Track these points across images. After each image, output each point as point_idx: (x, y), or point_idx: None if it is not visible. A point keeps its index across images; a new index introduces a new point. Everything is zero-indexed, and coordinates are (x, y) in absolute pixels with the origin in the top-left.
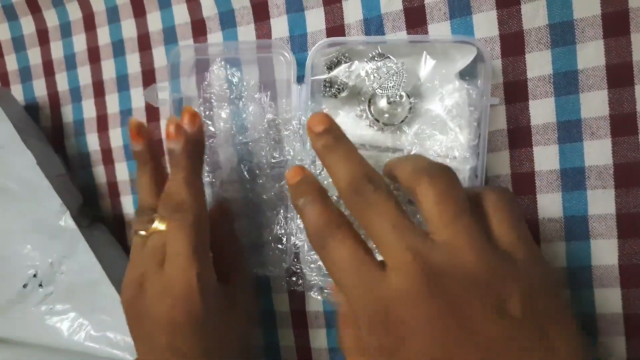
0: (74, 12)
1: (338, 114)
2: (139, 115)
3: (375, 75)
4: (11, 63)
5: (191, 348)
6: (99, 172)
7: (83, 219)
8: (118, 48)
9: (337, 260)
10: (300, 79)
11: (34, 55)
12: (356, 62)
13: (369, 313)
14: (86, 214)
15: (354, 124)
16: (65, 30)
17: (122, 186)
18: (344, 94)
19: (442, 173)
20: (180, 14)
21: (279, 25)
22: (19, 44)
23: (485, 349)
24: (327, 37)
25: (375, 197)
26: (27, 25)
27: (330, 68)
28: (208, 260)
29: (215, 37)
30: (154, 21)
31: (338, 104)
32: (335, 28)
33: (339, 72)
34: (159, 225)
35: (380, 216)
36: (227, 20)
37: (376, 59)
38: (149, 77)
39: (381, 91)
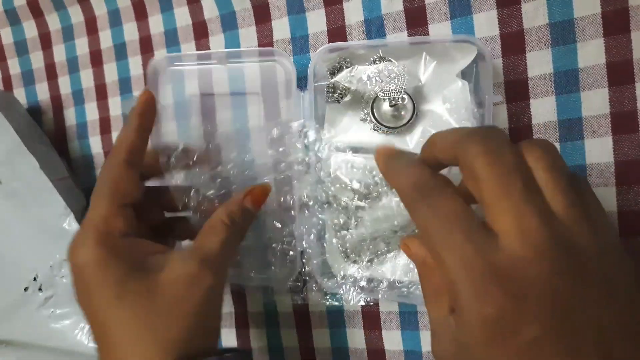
0: (76, 16)
1: (342, 120)
2: None
3: (377, 78)
4: (14, 67)
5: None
6: None
7: None
8: (120, 51)
9: (445, 214)
10: (301, 81)
11: (37, 59)
12: (357, 66)
13: (477, 276)
14: None
15: (358, 129)
16: (68, 34)
17: None
18: (347, 99)
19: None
20: (182, 17)
21: (280, 27)
22: (21, 47)
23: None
24: (329, 38)
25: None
26: (30, 29)
27: (332, 73)
28: (129, 213)
29: (217, 39)
30: (156, 24)
31: (342, 109)
32: (337, 29)
33: (341, 77)
34: None
35: (500, 176)
36: (229, 22)
37: (377, 62)
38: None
39: (383, 94)
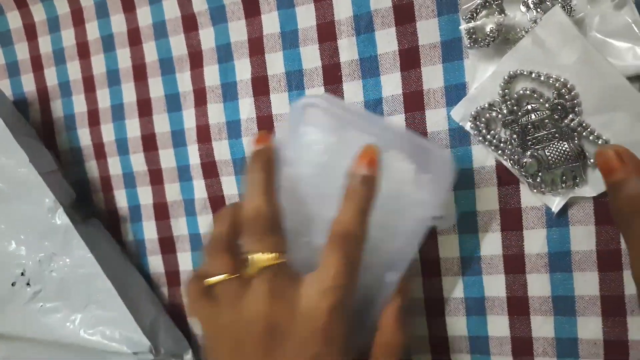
0: (62, 7)
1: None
2: (131, 109)
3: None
4: None
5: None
6: (92, 166)
7: (77, 214)
8: (108, 43)
9: None
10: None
11: (22, 50)
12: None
13: None
14: (79, 209)
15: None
16: (53, 25)
17: (115, 180)
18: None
19: None
20: (171, 9)
21: (270, 22)
22: (5, 38)
23: None
24: (318, 33)
25: None
26: (14, 20)
27: (471, 18)
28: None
29: (206, 32)
30: (144, 16)
31: (490, 53)
32: (326, 25)
33: (490, 18)
34: (261, 256)
35: None
36: (218, 16)
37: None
38: (140, 72)
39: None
